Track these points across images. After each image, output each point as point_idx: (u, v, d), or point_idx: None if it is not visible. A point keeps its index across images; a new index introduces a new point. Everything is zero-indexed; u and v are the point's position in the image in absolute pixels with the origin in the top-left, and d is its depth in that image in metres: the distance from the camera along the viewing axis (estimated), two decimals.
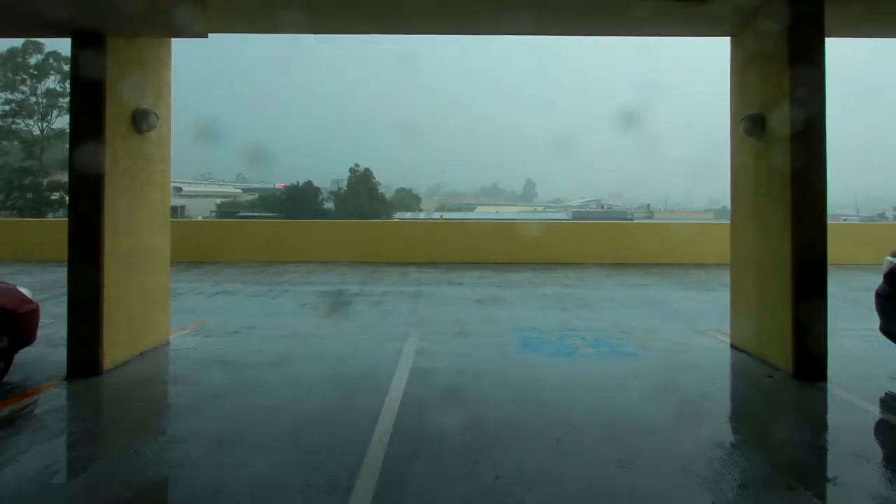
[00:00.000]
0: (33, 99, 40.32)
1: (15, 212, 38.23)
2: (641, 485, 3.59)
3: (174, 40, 6.82)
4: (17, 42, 38.95)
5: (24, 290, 5.74)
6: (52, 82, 40.23)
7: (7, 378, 5.41)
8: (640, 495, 3.48)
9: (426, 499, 3.41)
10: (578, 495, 3.47)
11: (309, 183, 57.13)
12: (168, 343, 6.88)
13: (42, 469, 3.76)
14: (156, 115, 6.31)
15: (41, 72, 40.02)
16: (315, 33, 7.35)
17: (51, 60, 39.59)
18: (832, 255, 5.70)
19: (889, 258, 5.98)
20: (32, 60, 39.64)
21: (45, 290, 9.56)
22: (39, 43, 39.06)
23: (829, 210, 5.69)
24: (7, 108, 39.98)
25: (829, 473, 3.88)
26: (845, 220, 37.30)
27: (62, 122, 39.91)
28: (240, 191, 79.85)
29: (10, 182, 39.60)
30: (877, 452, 4.27)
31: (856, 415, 4.84)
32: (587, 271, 13.83)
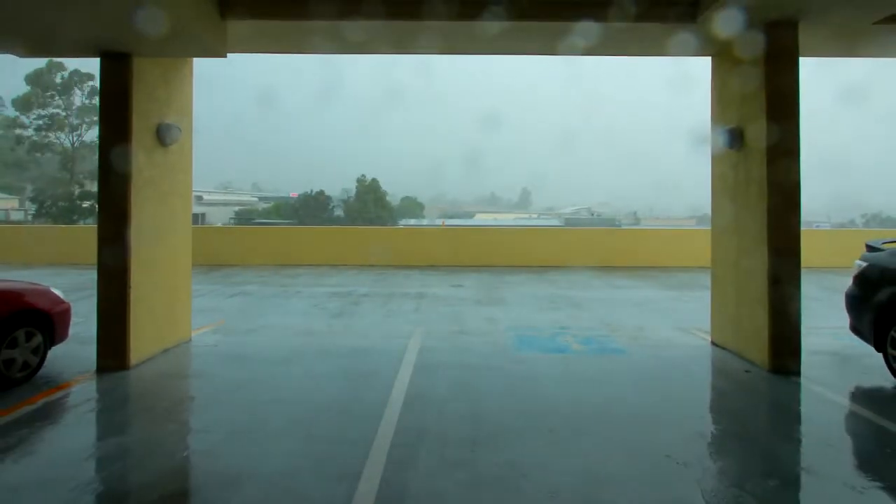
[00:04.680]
0: (65, 114, 40.55)
1: (49, 219, 38.37)
2: (628, 470, 3.59)
3: (195, 59, 6.86)
4: (48, 60, 39.14)
5: (56, 292, 5.75)
6: (80, 97, 40.46)
7: (41, 373, 5.43)
8: (627, 480, 3.47)
9: (429, 484, 3.41)
10: (570, 480, 3.46)
11: (320, 192, 57.23)
12: (190, 340, 6.89)
13: (73, 456, 3.76)
14: (178, 128, 6.33)
15: (71, 88, 40.23)
16: (331, 53, 7.37)
17: (75, 78, 39.79)
18: (805, 259, 5.70)
19: (858, 262, 5.97)
20: (60, 78, 39.84)
21: (77, 290, 9.57)
22: (70, 61, 39.27)
23: (803, 217, 5.69)
24: (41, 122, 40.22)
25: (802, 461, 3.87)
26: (818, 226, 37.25)
27: (92, 135, 40.15)
28: (256, 199, 79.98)
29: (44, 192, 39.81)
30: (847, 442, 4.27)
31: (827, 407, 4.83)
32: (578, 274, 13.83)
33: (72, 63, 39.33)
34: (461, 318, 8.51)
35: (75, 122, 40.61)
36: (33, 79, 39.33)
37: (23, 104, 39.92)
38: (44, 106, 39.91)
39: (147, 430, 4.33)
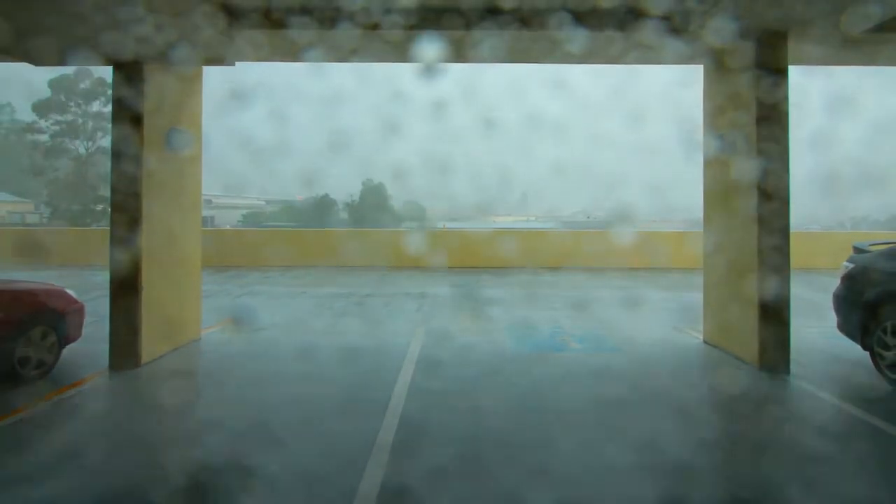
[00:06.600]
0: (80, 120, 40.63)
1: (64, 222, 38.45)
2: (621, 460, 3.60)
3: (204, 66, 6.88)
4: (69, 69, 39.18)
5: (70, 292, 5.77)
6: (99, 105, 40.47)
7: (55, 370, 5.44)
8: (622, 472, 3.48)
9: (432, 473, 3.42)
10: (566, 470, 3.47)
11: (326, 195, 57.20)
12: (200, 339, 6.90)
13: (84, 451, 3.78)
14: (188, 133, 6.35)
15: (89, 95, 40.31)
16: (338, 62, 7.36)
17: (99, 86, 39.82)
18: (795, 260, 5.70)
19: (845, 263, 5.98)
20: (82, 85, 39.90)
21: (90, 291, 9.59)
22: (88, 70, 39.25)
23: (792, 220, 5.69)
24: (57, 128, 40.32)
25: (792, 455, 3.87)
26: (807, 228, 37.15)
27: (106, 141, 40.20)
28: (263, 202, 79.79)
29: (59, 195, 39.94)
30: (834, 436, 4.27)
31: (815, 403, 4.83)
32: (576, 274, 13.82)
33: (97, 71, 39.28)
34: (461, 317, 8.53)
35: (91, 127, 40.68)
36: (56, 83, 39.38)
37: (42, 109, 40.01)
38: (63, 112, 39.96)
39: (157, 427, 4.34)
